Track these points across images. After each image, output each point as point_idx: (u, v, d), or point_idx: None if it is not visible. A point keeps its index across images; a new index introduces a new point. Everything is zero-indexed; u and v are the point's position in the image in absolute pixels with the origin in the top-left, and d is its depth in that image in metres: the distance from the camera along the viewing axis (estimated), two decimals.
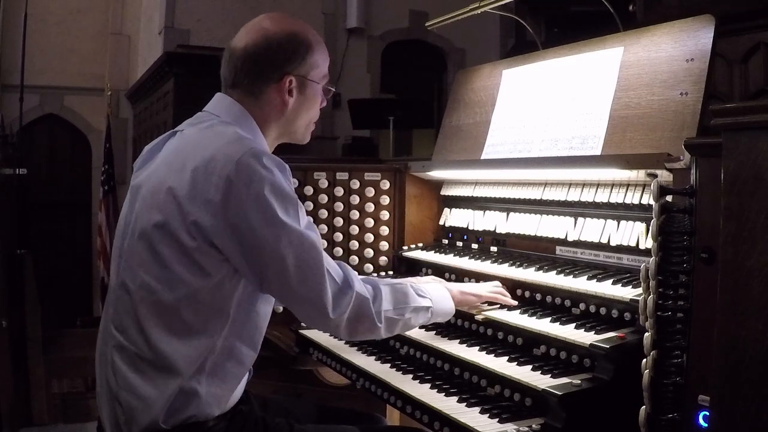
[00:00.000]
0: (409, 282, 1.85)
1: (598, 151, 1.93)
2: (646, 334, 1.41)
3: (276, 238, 1.50)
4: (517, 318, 1.83)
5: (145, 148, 1.74)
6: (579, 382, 1.50)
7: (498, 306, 1.95)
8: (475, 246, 2.40)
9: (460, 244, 2.47)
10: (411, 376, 1.85)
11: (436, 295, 1.86)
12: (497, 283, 2.01)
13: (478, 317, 1.93)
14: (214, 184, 1.47)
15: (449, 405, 1.64)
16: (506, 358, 1.73)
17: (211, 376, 1.54)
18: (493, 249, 2.30)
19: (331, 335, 1.71)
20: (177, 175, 1.51)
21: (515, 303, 1.93)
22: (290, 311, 2.67)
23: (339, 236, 2.62)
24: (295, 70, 1.66)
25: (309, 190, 2.61)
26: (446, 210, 2.59)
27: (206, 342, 1.52)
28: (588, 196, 1.96)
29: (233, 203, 1.47)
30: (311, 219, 1.59)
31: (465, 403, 1.63)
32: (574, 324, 1.69)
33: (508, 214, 2.27)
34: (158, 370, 1.50)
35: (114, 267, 1.64)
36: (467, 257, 2.28)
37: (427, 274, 2.35)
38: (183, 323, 1.50)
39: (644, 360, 1.40)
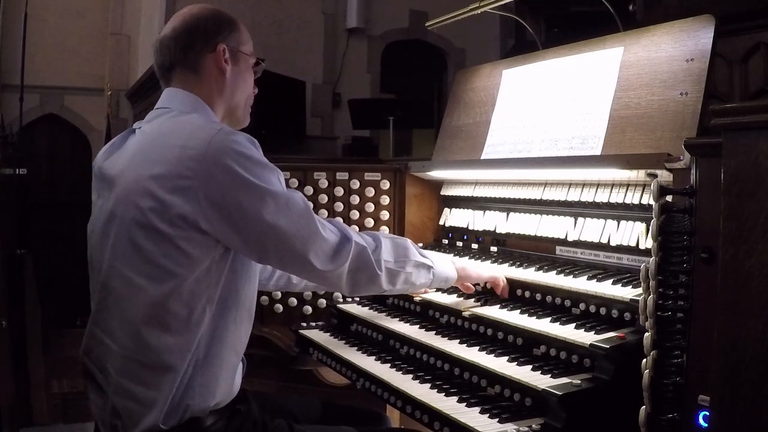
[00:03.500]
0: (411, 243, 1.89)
1: (598, 151, 1.93)
2: (646, 334, 1.41)
3: (265, 207, 1.51)
4: (517, 318, 1.83)
5: (100, 152, 1.69)
6: (579, 382, 1.51)
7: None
8: (475, 246, 2.40)
9: (460, 244, 2.47)
10: (411, 376, 1.85)
11: (437, 259, 1.94)
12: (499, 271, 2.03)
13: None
14: (191, 169, 1.46)
15: (449, 405, 1.64)
16: (506, 358, 1.73)
17: (203, 364, 1.51)
18: (493, 249, 2.30)
19: (333, 291, 1.74)
20: (150, 170, 1.49)
21: (506, 296, 1.97)
22: (290, 311, 2.67)
23: None
24: (226, 40, 1.68)
25: (309, 190, 2.62)
26: (446, 210, 2.59)
27: (197, 331, 1.50)
28: (588, 196, 1.96)
29: (214, 185, 1.47)
30: None
31: (465, 403, 1.63)
32: (574, 324, 1.69)
33: (508, 214, 2.27)
34: (154, 370, 1.47)
35: (93, 272, 1.61)
36: (467, 257, 2.28)
37: None
38: (174, 316, 1.47)
39: (644, 360, 1.40)
